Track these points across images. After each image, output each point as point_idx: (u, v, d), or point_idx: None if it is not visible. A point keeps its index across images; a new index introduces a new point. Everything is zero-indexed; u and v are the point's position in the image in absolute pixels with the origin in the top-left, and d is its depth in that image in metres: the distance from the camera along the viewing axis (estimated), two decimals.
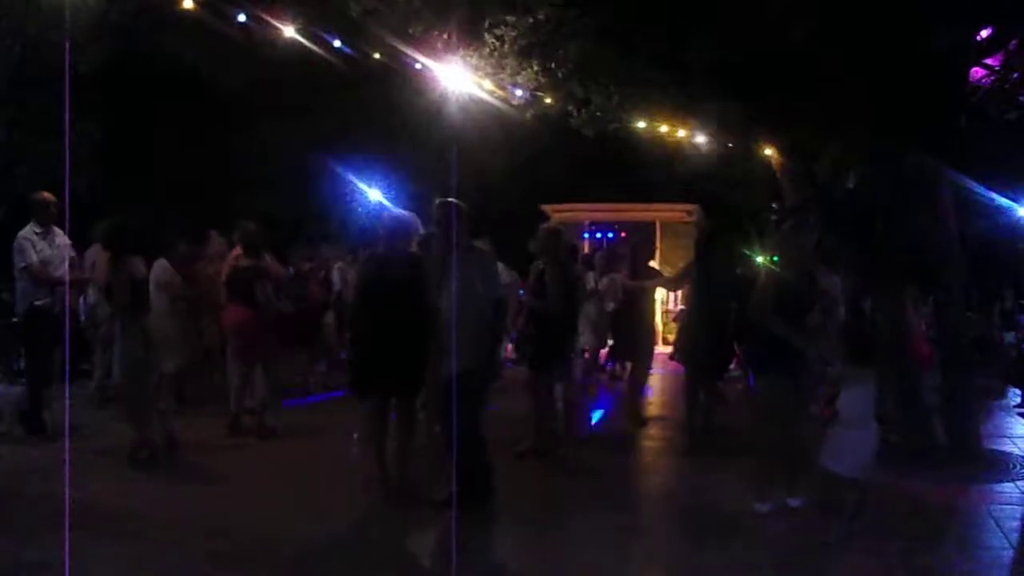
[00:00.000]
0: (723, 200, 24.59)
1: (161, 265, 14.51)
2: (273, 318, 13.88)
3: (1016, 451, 13.13)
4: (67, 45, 15.04)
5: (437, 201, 9.91)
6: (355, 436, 11.44)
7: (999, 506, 10.18)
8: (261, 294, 13.65)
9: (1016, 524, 9.51)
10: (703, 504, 10.43)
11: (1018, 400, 17.84)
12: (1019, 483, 11.21)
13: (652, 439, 14.17)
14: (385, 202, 24.74)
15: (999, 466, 12.15)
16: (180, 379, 14.79)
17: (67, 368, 13.36)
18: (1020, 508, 10.14)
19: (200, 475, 11.36)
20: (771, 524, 9.37)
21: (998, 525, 9.44)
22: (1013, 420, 16.02)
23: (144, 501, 9.94)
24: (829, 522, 8.79)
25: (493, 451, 9.90)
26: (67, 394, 13.59)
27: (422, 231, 10.56)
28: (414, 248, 10.42)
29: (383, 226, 10.46)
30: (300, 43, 15.24)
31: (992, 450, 12.91)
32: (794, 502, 9.54)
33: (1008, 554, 8.62)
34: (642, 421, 14.70)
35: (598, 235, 28.52)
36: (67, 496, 8.20)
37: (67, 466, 9.49)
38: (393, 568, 8.30)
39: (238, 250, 14.25)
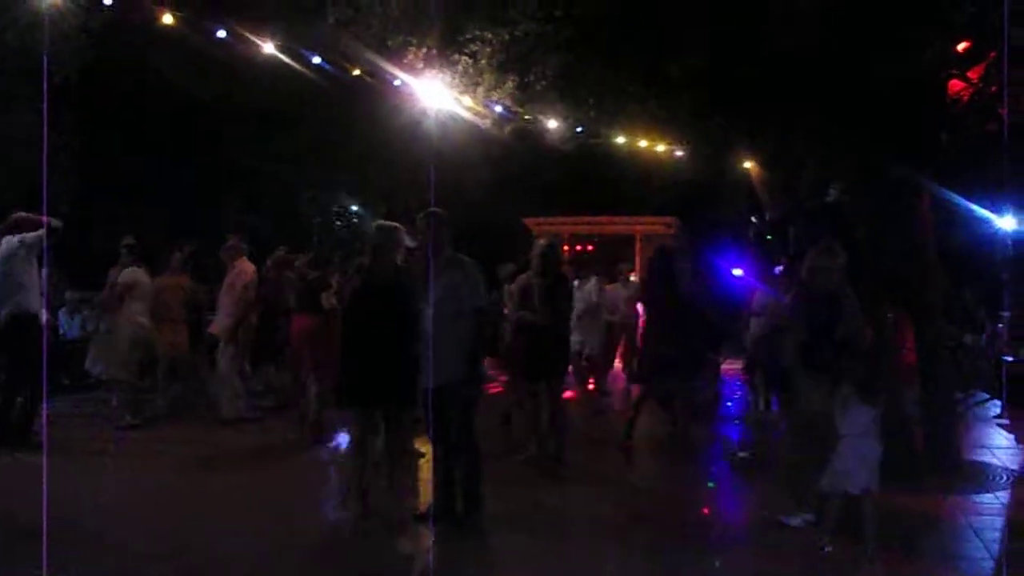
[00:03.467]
0: (703, 213, 24.64)
1: (130, 274, 14.62)
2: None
3: (996, 462, 13.14)
4: (44, 56, 14.99)
5: (421, 212, 9.90)
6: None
7: (979, 517, 10.18)
8: (327, 303, 13.84)
9: (996, 535, 9.51)
10: (708, 514, 10.48)
11: (998, 411, 17.87)
12: (999, 494, 11.24)
13: (649, 446, 14.16)
14: (353, 217, 24.79)
15: (979, 477, 12.16)
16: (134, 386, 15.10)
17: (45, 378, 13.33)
18: (1000, 519, 10.17)
19: (181, 485, 11.29)
20: (773, 537, 9.37)
21: (978, 536, 9.44)
22: (993, 431, 16.03)
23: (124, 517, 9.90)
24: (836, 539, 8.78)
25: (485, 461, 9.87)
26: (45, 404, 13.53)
27: (408, 242, 10.55)
28: (400, 259, 10.40)
29: (371, 237, 10.40)
30: (278, 58, 15.23)
31: (972, 461, 12.92)
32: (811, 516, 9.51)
33: (988, 564, 8.63)
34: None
35: (578, 248, 28.53)
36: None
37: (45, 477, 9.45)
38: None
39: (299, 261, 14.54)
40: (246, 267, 15.43)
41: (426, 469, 10.76)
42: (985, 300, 23.48)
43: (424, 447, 11.33)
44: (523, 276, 13.18)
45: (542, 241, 13.29)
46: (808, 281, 9.72)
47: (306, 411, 14.05)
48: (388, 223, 10.71)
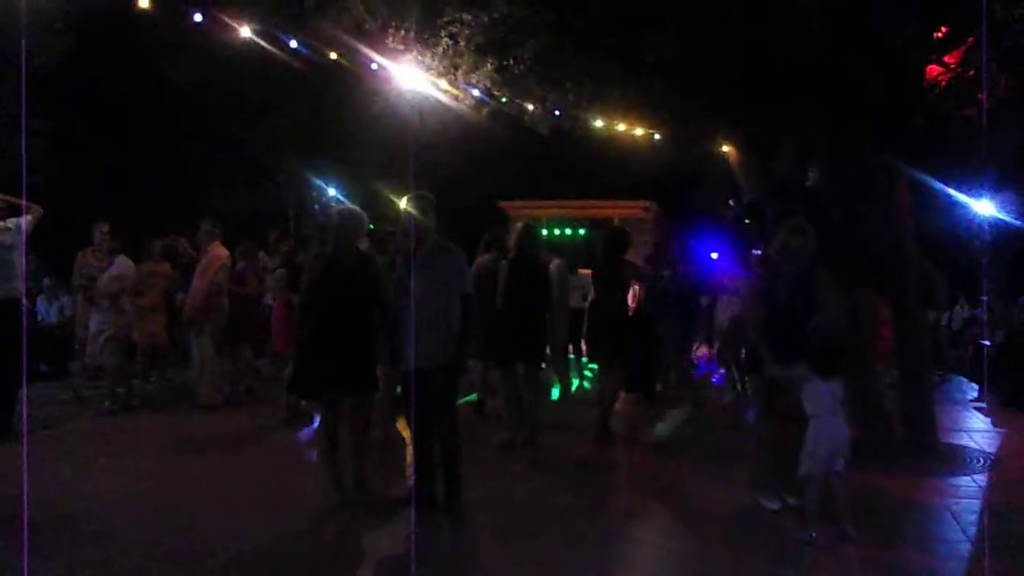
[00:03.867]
0: (681, 196, 24.68)
1: (120, 262, 14.65)
2: None
3: (973, 445, 13.21)
4: (23, 41, 14.93)
5: (408, 195, 9.87)
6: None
7: (956, 499, 10.25)
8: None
9: (973, 518, 9.56)
10: (686, 498, 10.50)
11: (975, 394, 17.99)
12: (976, 477, 11.30)
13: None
14: (339, 199, 24.76)
15: (956, 460, 12.22)
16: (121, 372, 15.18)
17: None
18: (977, 502, 10.21)
19: (162, 472, 11.26)
20: (755, 522, 9.43)
21: (955, 519, 9.51)
22: (970, 414, 16.11)
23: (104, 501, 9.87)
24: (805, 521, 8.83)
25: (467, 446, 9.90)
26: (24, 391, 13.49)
27: (371, 227, 10.52)
28: (364, 245, 10.37)
29: (332, 222, 10.28)
30: (256, 42, 15.17)
31: (949, 444, 12.98)
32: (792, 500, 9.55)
33: (965, 547, 8.68)
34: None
35: (556, 232, 28.50)
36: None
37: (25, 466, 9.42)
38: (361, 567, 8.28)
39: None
40: (219, 252, 15.41)
41: (406, 453, 10.77)
42: (962, 285, 23.67)
43: (405, 431, 11.37)
44: (487, 257, 13.20)
45: (519, 224, 13.28)
46: (777, 260, 9.70)
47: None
48: (350, 207, 10.65)
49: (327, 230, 10.74)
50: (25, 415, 12.91)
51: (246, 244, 16.60)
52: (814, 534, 8.64)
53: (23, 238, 12.87)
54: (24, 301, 13.11)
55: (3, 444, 12.25)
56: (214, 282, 15.09)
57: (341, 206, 10.59)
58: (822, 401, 8.74)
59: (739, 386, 16.18)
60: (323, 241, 11.63)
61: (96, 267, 15.74)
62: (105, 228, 15.88)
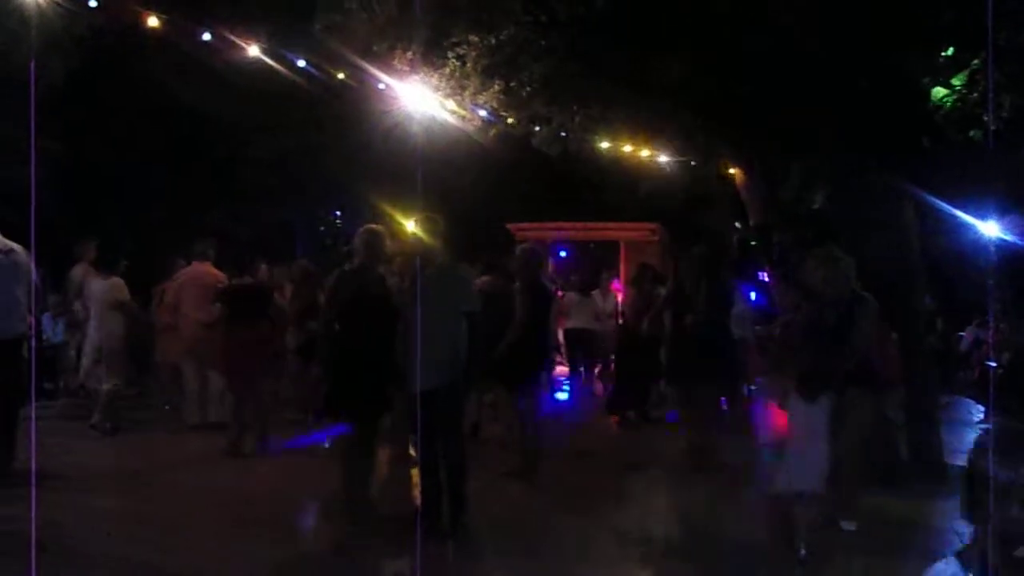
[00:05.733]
0: (687, 219, 24.68)
1: (116, 283, 14.60)
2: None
3: None
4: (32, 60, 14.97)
5: (415, 217, 9.88)
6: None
7: (960, 520, 10.21)
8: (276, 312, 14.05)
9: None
10: (694, 520, 10.48)
11: (981, 415, 17.96)
12: None
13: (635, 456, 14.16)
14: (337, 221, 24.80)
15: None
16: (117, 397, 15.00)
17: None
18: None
19: (161, 496, 11.25)
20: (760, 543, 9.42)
21: (959, 539, 9.48)
22: (976, 434, 16.08)
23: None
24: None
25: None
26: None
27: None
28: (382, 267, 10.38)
29: (360, 239, 10.20)
30: (263, 62, 15.24)
31: (955, 465, 12.95)
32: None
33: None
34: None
35: (561, 254, 28.52)
36: None
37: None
38: None
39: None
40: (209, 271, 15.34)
41: (412, 474, 10.76)
42: (969, 307, 23.65)
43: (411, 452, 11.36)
44: (486, 279, 13.17)
45: (524, 246, 13.26)
46: (820, 293, 9.70)
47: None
48: (374, 227, 10.57)
49: (351, 250, 10.68)
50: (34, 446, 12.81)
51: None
52: (803, 552, 8.60)
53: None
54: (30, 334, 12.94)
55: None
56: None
57: (365, 226, 10.46)
58: (802, 423, 8.75)
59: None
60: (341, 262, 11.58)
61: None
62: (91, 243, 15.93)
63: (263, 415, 13.71)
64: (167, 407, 16.53)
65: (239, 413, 13.57)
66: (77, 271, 16.49)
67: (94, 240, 16.34)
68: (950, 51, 12.45)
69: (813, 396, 8.86)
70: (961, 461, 13.15)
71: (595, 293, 20.36)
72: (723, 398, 14.49)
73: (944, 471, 12.43)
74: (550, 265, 24.85)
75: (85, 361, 15.33)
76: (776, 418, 9.24)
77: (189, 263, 15.74)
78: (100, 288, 15.06)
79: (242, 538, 9.36)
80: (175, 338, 15.57)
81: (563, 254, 28.60)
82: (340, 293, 9.91)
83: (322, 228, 31.40)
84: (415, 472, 10.14)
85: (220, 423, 14.58)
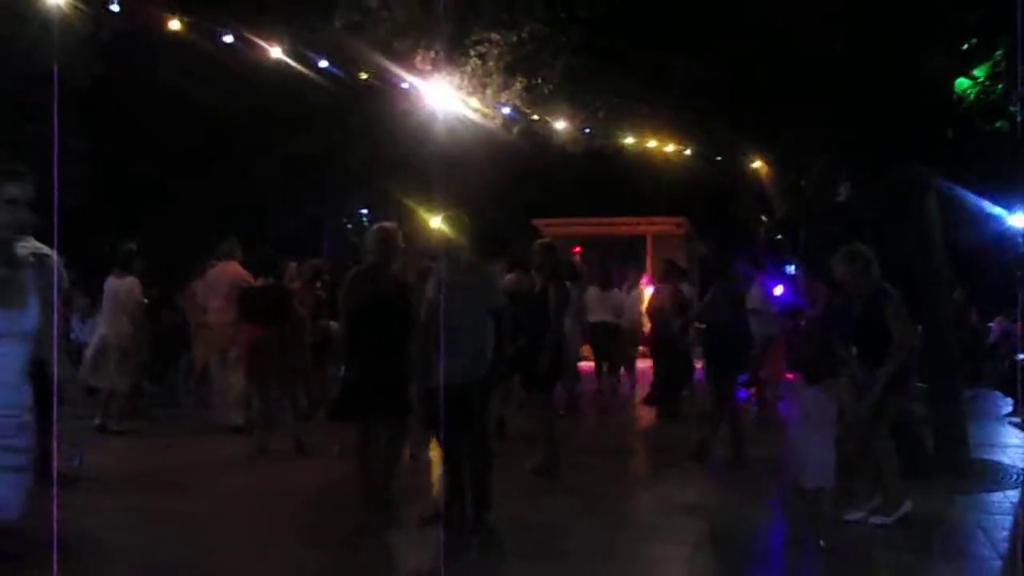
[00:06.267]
0: (713, 213, 24.65)
1: (131, 283, 14.66)
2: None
3: (1006, 460, 13.12)
4: (55, 65, 15.04)
5: (441, 215, 9.88)
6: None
7: (988, 515, 10.16)
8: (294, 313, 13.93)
9: (1004, 534, 9.48)
10: (715, 515, 10.43)
11: (1009, 408, 17.85)
12: (1008, 492, 11.20)
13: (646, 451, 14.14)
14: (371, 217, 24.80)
15: (989, 475, 12.14)
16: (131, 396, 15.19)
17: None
18: (1008, 518, 10.09)
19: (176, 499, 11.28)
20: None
21: (986, 535, 9.42)
22: (1004, 429, 16.00)
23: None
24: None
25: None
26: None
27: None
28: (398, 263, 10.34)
29: (372, 238, 10.12)
30: (286, 63, 15.27)
31: (982, 460, 12.89)
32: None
33: (995, 564, 8.60)
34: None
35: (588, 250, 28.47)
36: None
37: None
38: None
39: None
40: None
41: (430, 473, 10.75)
42: (1000, 299, 23.54)
43: (433, 451, 11.34)
44: (511, 277, 13.12)
45: (541, 241, 13.16)
46: (847, 289, 9.86)
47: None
48: (385, 225, 10.53)
49: (366, 249, 10.60)
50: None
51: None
52: (822, 543, 8.60)
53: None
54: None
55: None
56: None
57: (378, 224, 10.40)
58: (810, 414, 8.73)
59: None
60: (358, 260, 11.51)
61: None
62: (130, 246, 15.97)
63: (292, 416, 13.71)
64: (190, 404, 16.59)
65: (265, 414, 13.59)
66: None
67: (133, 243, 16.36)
68: (973, 42, 12.38)
69: (817, 379, 8.86)
70: (988, 455, 13.12)
71: (616, 289, 20.31)
72: (739, 392, 14.38)
73: (970, 466, 12.37)
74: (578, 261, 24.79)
75: (87, 358, 15.34)
76: (793, 412, 9.19)
77: (217, 263, 15.74)
78: (114, 287, 15.18)
79: (259, 541, 9.39)
80: (207, 337, 15.65)
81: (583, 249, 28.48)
82: (353, 292, 9.88)
83: (349, 226, 31.36)
84: (436, 470, 10.12)
85: (238, 426, 14.64)
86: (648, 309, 19.33)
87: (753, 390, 16.65)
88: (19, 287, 5.05)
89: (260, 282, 14.00)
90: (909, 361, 10.08)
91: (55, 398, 5.37)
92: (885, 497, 9.61)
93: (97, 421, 14.63)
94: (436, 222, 9.87)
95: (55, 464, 9.24)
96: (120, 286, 15.14)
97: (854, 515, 9.58)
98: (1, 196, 5.02)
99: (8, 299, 4.97)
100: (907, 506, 9.54)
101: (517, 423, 13.96)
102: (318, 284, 16.35)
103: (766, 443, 13.14)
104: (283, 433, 13.50)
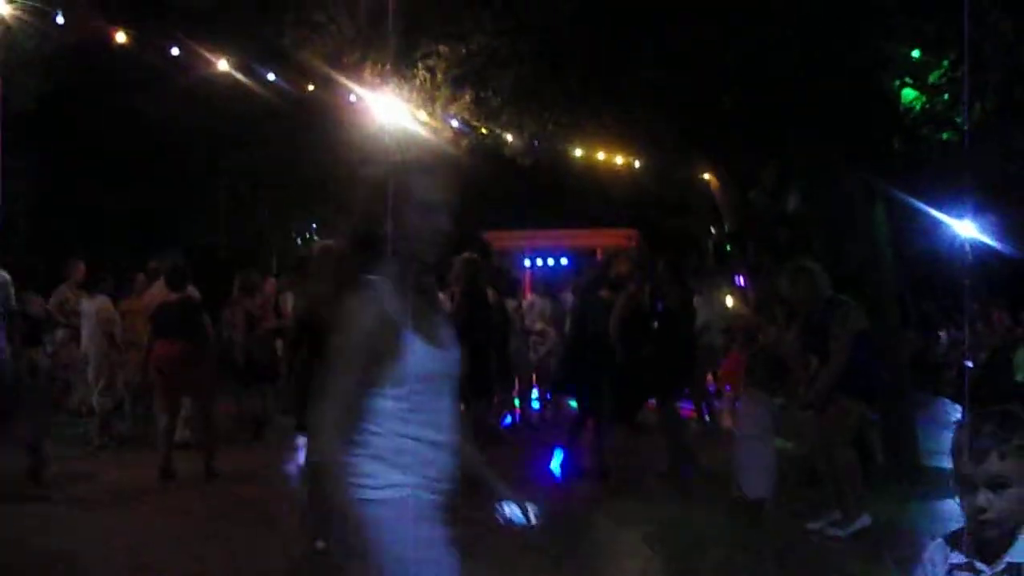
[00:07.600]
0: (663, 224, 24.70)
1: (101, 301, 14.57)
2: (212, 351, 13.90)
3: None
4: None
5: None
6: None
7: (938, 522, 10.20)
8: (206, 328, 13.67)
9: None
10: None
11: (959, 416, 17.95)
12: (958, 499, 11.21)
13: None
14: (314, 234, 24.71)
15: (939, 483, 12.18)
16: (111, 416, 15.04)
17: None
18: (960, 525, 10.13)
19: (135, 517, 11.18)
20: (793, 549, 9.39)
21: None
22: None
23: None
24: None
25: None
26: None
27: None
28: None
29: (314, 258, 10.01)
30: (233, 76, 15.21)
31: (932, 467, 12.94)
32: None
33: None
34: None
35: (539, 262, 28.43)
36: None
37: None
38: None
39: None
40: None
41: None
42: (946, 307, 23.71)
43: None
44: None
45: (464, 255, 13.01)
46: (795, 307, 10.03)
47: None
48: (326, 244, 10.44)
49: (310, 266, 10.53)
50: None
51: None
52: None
53: None
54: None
55: None
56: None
57: (317, 244, 10.33)
58: (751, 423, 8.79)
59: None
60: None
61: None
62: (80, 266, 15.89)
63: (207, 433, 13.56)
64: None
65: (165, 432, 13.25)
66: (62, 290, 16.35)
67: (80, 260, 16.24)
68: (916, 53, 12.46)
69: (767, 388, 8.96)
70: (938, 463, 13.17)
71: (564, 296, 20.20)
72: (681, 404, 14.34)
73: (920, 473, 12.43)
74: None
75: (91, 378, 15.27)
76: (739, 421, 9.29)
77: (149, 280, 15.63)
78: (91, 307, 15.22)
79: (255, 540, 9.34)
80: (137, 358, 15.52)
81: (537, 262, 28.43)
82: (301, 314, 9.91)
83: (299, 240, 31.26)
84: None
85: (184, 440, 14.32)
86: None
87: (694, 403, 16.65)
88: None
89: (174, 297, 13.71)
90: (874, 367, 10.18)
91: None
92: (844, 511, 9.67)
93: (98, 442, 14.78)
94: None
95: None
96: (96, 305, 15.21)
97: (815, 524, 9.64)
98: None
99: None
100: (865, 520, 9.60)
101: None
102: (255, 297, 16.27)
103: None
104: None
